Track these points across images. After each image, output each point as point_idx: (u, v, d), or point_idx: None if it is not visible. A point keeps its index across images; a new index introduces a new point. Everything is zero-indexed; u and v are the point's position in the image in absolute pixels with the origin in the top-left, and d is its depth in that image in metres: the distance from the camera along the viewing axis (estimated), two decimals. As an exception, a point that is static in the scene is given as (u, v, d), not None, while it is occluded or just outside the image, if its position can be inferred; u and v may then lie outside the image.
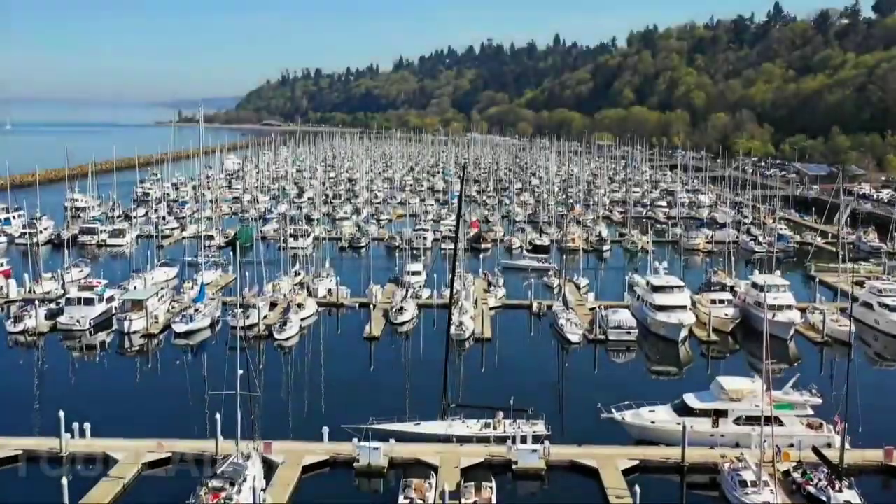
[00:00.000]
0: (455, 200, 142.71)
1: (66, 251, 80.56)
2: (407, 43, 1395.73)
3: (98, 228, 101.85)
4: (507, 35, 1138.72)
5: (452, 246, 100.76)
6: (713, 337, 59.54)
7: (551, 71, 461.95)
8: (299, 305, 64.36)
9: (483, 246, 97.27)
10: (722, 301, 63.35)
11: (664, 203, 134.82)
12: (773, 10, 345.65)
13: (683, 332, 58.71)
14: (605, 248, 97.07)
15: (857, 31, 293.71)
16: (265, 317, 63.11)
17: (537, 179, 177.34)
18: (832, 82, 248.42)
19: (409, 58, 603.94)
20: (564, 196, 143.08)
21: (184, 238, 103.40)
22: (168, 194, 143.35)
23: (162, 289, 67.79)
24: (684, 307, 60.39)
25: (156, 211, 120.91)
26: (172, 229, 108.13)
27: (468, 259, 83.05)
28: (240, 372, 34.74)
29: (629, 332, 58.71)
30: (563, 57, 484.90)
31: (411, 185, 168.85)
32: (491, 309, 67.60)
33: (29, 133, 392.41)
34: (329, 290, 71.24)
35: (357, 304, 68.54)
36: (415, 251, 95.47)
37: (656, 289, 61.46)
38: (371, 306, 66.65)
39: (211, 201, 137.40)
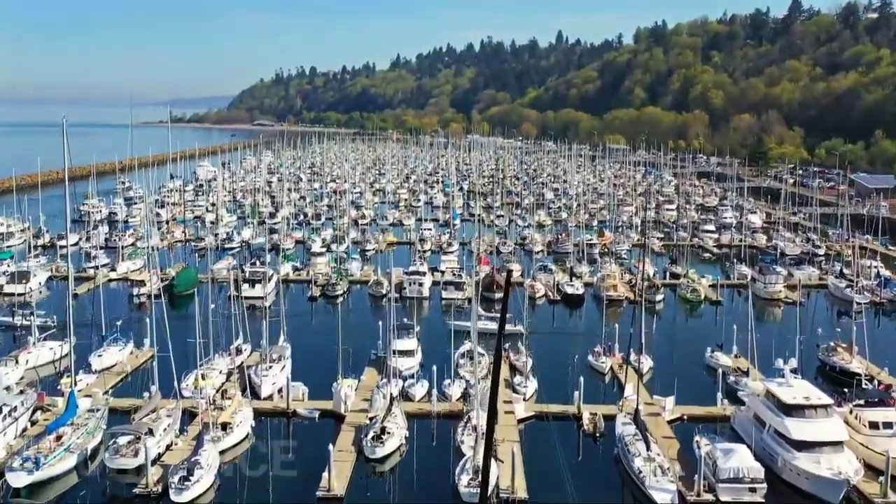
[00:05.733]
0: (458, 220, 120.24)
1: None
2: (404, 41, 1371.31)
3: (-8, 271, 78.31)
4: (507, 34, 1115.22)
5: (457, 294, 78.44)
6: (891, 495, 36.45)
7: (555, 69, 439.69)
8: (224, 426, 41.43)
9: (498, 295, 73.54)
10: (889, 425, 40.16)
11: (711, 227, 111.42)
12: (793, 3, 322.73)
13: (845, 490, 35.75)
14: (658, 297, 73.17)
15: (888, 26, 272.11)
16: (168, 446, 40.29)
17: (551, 192, 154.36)
18: (868, 80, 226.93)
19: (407, 56, 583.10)
20: (587, 215, 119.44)
21: (110, 281, 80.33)
22: (115, 213, 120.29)
23: (22, 392, 44.86)
24: (839, 444, 37.32)
25: (88, 238, 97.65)
26: (100, 267, 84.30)
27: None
28: None
29: (753, 489, 35.69)
30: (567, 55, 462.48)
31: (406, 199, 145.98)
32: (519, 422, 44.71)
33: (11, 134, 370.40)
34: (277, 388, 48.18)
35: (317, 414, 45.52)
36: (407, 298, 73.06)
37: (789, 409, 38.40)
38: (337, 420, 44.23)
39: (166, 222, 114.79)
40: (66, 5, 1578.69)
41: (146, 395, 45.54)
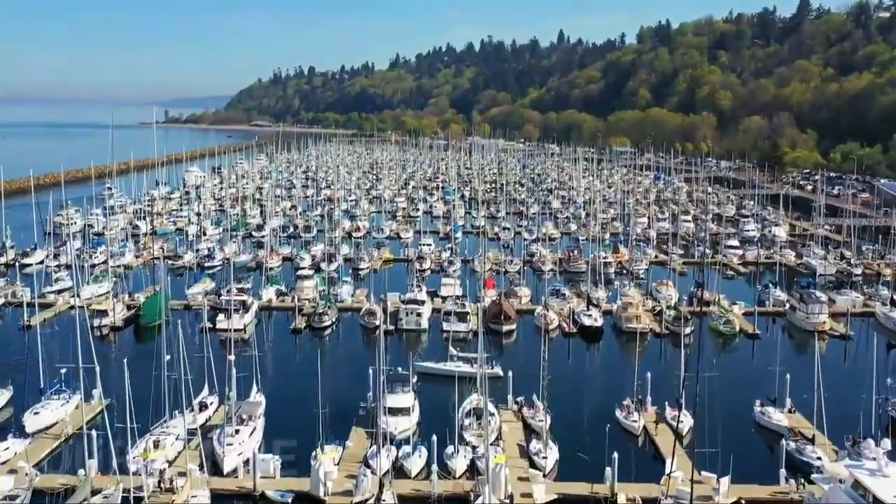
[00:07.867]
0: (459, 233, 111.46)
1: None
2: (404, 40, 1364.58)
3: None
4: (508, 33, 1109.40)
5: (461, 326, 68.95)
6: None
7: (557, 69, 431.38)
8: (170, 522, 33.07)
9: (506, 327, 65.17)
10: None
11: (735, 242, 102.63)
12: (801, 2, 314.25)
13: None
14: (687, 330, 63.78)
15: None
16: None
17: (557, 200, 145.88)
18: (883, 81, 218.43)
19: (406, 56, 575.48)
20: (599, 227, 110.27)
21: (71, 309, 71.79)
22: (91, 226, 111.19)
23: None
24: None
25: (55, 256, 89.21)
26: (60, 291, 75.99)
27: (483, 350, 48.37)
28: None
29: None
30: (569, 54, 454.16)
31: (404, 208, 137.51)
32: (539, 509, 36.33)
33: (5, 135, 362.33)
34: (243, 461, 39.76)
35: (290, 498, 37.14)
36: (403, 330, 64.92)
37: (890, 511, 30.16)
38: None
39: (143, 235, 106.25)
40: (65, 4, 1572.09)
41: (81, 471, 37.20)
